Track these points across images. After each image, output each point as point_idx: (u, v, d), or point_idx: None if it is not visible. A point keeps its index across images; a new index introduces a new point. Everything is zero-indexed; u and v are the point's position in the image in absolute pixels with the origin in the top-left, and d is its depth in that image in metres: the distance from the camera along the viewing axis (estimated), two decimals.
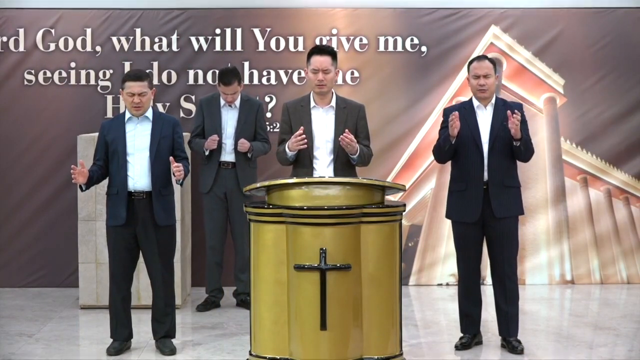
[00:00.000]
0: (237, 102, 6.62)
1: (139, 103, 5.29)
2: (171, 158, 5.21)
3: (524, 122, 5.31)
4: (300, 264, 4.58)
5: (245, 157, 6.57)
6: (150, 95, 5.35)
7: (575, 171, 7.57)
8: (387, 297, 4.71)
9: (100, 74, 7.38)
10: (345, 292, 4.59)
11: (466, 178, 5.35)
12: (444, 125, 5.41)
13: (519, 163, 5.43)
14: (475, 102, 5.42)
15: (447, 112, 5.42)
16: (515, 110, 5.24)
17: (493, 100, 5.42)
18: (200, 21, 7.42)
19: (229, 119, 6.61)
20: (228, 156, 6.59)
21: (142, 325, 5.76)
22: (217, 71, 7.06)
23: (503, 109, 5.32)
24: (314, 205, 4.61)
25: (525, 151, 5.30)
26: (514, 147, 5.27)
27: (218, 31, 7.42)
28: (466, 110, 5.39)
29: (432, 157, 5.81)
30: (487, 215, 5.33)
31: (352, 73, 7.46)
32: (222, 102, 6.60)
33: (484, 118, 5.38)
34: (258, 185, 4.84)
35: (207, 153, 6.54)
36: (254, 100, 6.79)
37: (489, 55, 5.99)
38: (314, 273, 4.56)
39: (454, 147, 5.31)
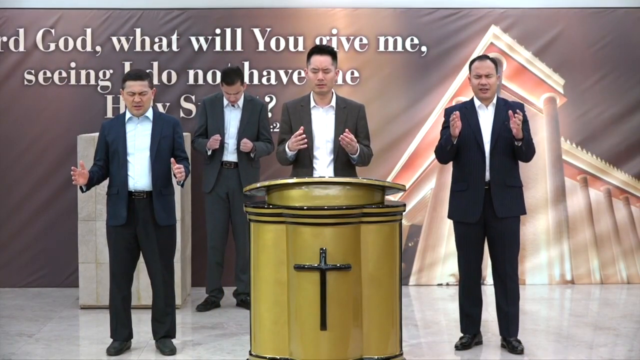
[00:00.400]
0: (240, 102, 6.61)
1: (139, 102, 5.29)
2: (172, 160, 5.21)
3: (525, 122, 5.31)
4: (300, 264, 4.58)
5: (248, 157, 6.56)
6: (150, 94, 5.35)
7: (575, 171, 7.57)
8: (387, 297, 4.71)
9: (100, 74, 7.38)
10: (345, 292, 4.59)
11: (468, 178, 5.35)
12: (446, 125, 5.40)
13: (519, 163, 5.43)
14: (477, 102, 5.42)
15: (448, 112, 5.41)
16: (517, 110, 5.24)
17: (494, 100, 5.41)
18: (200, 21, 7.41)
19: (232, 118, 6.61)
20: (230, 156, 6.58)
21: (142, 325, 5.76)
22: (217, 71, 7.07)
23: (504, 108, 5.31)
24: (314, 205, 4.61)
25: (527, 151, 5.30)
26: (515, 147, 5.27)
27: (218, 31, 7.42)
28: (467, 110, 5.39)
29: (432, 157, 5.81)
30: (488, 215, 5.32)
31: (352, 73, 7.46)
32: (225, 102, 6.60)
33: (486, 118, 5.38)
34: (258, 185, 4.84)
35: (209, 153, 6.55)
36: (257, 101, 6.78)
37: (490, 55, 5.98)
38: (314, 273, 4.56)
39: (456, 147, 5.30)
